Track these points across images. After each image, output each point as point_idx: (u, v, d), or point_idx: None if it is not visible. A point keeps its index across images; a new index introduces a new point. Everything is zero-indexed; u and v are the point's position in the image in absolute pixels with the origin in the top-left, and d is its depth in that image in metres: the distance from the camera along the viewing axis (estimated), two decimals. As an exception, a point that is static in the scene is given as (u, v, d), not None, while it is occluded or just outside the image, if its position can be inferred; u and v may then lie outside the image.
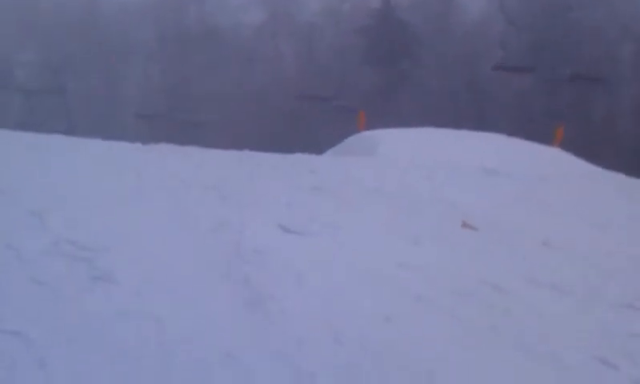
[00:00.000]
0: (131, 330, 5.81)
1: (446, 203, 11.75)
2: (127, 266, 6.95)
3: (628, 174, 19.85)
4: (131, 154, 13.77)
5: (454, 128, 22.50)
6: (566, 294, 7.89)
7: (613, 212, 13.01)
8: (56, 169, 11.06)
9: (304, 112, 52.71)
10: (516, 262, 8.98)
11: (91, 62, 61.66)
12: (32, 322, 5.67)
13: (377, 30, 56.47)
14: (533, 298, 7.62)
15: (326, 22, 61.40)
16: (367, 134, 19.96)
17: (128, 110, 57.34)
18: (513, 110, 49.61)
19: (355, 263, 8.03)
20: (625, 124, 48.63)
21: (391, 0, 58.26)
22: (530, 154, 19.09)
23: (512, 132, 24.62)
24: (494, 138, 20.93)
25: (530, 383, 5.92)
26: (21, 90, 59.58)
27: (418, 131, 20.91)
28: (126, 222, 8.57)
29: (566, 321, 7.19)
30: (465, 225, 10.42)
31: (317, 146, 22.76)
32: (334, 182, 12.36)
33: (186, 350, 5.67)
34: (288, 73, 60.16)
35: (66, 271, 6.68)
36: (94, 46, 60.79)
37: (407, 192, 12.32)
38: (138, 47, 63.01)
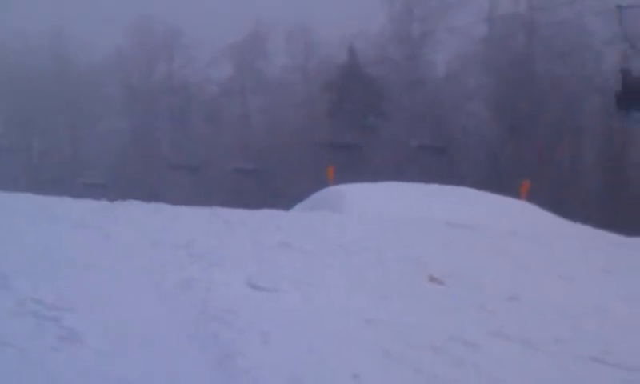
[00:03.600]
0: (98, 392, 5.77)
1: (413, 258, 11.77)
2: (94, 325, 6.91)
3: (593, 224, 20.00)
4: (99, 212, 13.74)
5: (423, 182, 22.64)
6: (534, 348, 7.90)
7: (580, 264, 13.07)
8: (23, 228, 11.02)
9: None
10: (484, 317, 9.00)
11: (59, 118, 61.61)
12: (-2, 384, 5.63)
13: (343, 86, 56.74)
14: (502, 352, 7.63)
15: (293, 78, 61.71)
16: (335, 189, 20.03)
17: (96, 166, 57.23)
18: (483, 163, 49.90)
19: (323, 320, 8.03)
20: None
21: (358, 56, 58.63)
22: (498, 208, 19.20)
23: (481, 185, 24.80)
24: (462, 192, 21.05)
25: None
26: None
27: (386, 186, 21.00)
28: (93, 280, 8.54)
29: (534, 375, 7.21)
30: (432, 279, 10.44)
31: (285, 201, 22.80)
32: (301, 238, 12.36)
33: (153, 411, 5.64)
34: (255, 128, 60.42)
35: (33, 331, 6.64)
36: (62, 104, 60.76)
37: (374, 247, 12.33)
38: (106, 104, 63.05)
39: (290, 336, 7.34)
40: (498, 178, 40.35)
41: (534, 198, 21.43)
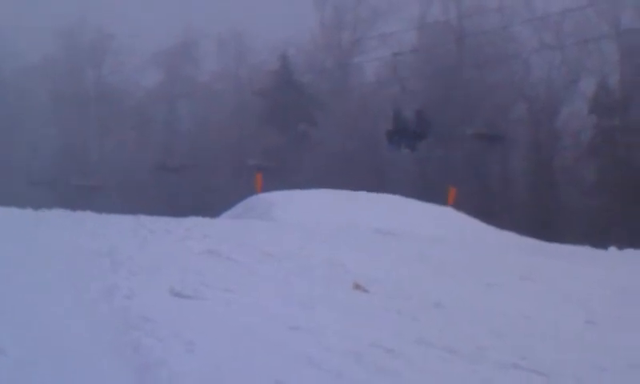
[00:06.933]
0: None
1: (338, 266, 11.84)
2: (15, 335, 6.85)
3: (521, 231, 20.24)
4: (22, 220, 13.62)
5: (352, 188, 22.76)
6: (455, 354, 8.00)
7: (503, 271, 13.24)
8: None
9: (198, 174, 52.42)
10: (407, 324, 9.09)
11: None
12: None
13: (275, 93, 56.66)
14: (423, 359, 7.71)
15: (224, 84, 61.48)
16: (263, 197, 20.08)
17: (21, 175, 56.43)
18: (411, 170, 50.08)
19: (247, 327, 8.05)
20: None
21: (289, 63, 58.61)
22: (425, 215, 19.38)
23: (410, 192, 25.02)
24: (389, 199, 21.21)
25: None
26: None
27: (314, 193, 21.10)
28: (14, 289, 8.47)
29: (454, 382, 7.29)
30: (357, 287, 10.51)
31: (213, 208, 22.74)
32: (228, 246, 12.37)
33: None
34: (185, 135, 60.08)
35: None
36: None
37: (301, 255, 12.39)
38: (32, 109, 62.20)
39: (214, 344, 7.35)
40: (426, 186, 40.61)
41: (462, 204, 21.65)
